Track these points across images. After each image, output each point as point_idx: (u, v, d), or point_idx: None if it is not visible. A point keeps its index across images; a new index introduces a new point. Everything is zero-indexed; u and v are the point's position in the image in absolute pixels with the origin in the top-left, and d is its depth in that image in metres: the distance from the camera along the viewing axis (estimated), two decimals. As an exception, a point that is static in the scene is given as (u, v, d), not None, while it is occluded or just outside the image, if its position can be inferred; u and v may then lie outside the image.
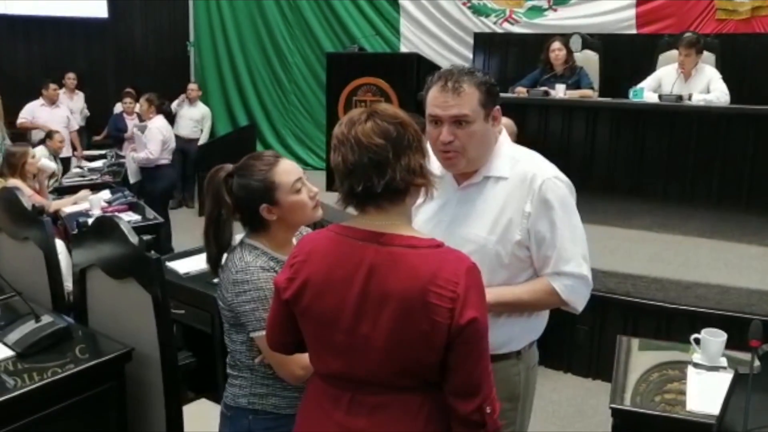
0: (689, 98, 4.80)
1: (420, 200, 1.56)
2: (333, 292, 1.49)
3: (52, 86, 7.26)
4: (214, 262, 1.93)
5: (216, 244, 1.91)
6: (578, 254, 1.87)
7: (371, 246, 1.47)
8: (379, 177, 1.44)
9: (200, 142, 7.90)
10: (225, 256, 1.94)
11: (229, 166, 1.92)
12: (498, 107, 1.87)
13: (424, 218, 1.96)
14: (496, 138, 1.92)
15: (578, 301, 1.91)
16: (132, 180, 6.25)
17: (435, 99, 1.82)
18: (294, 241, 1.96)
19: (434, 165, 1.98)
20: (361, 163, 1.45)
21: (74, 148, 7.48)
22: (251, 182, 1.86)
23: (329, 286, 1.49)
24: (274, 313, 1.65)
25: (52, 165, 5.45)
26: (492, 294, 1.79)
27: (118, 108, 8.13)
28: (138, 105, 6.77)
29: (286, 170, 1.89)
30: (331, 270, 1.49)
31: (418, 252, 1.45)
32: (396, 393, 1.49)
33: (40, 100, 7.19)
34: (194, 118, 7.83)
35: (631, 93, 4.94)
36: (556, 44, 5.54)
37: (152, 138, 6.11)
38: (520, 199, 1.85)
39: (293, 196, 1.87)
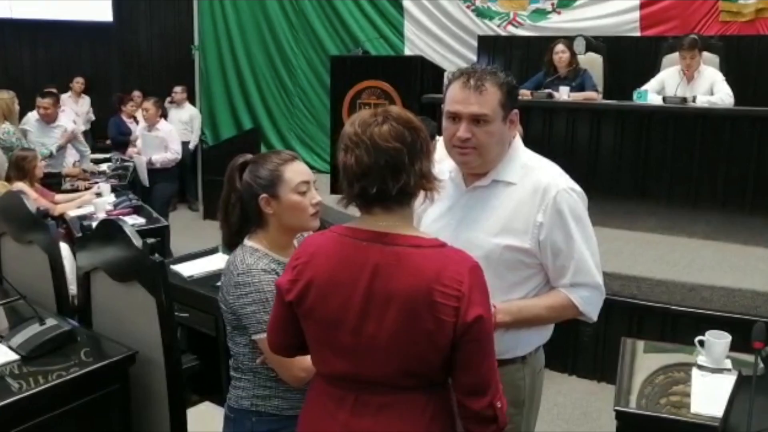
0: (693, 100, 4.79)
1: (419, 202, 1.57)
2: (338, 293, 1.49)
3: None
4: (227, 243, 2.00)
5: (226, 226, 1.97)
6: (593, 264, 1.89)
7: (375, 246, 1.47)
8: (394, 180, 1.45)
9: (192, 144, 7.91)
10: (227, 258, 1.95)
11: (250, 156, 1.98)
12: (516, 111, 1.86)
13: (432, 219, 1.97)
14: (510, 142, 1.91)
15: (594, 312, 1.92)
16: (148, 184, 6.21)
17: (456, 95, 1.82)
18: (295, 243, 1.97)
19: (444, 165, 1.98)
20: (377, 165, 1.45)
21: None
22: (261, 170, 1.90)
23: (334, 286, 1.50)
24: (275, 315, 1.65)
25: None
26: (511, 315, 1.83)
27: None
28: (143, 109, 6.74)
29: (297, 170, 1.91)
30: (335, 271, 1.50)
31: (422, 251, 1.46)
32: (400, 393, 1.50)
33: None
34: (182, 120, 7.83)
35: (635, 95, 4.94)
36: (560, 47, 5.54)
37: (173, 138, 6.23)
38: (531, 208, 1.84)
39: (294, 195, 1.88)
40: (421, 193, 1.54)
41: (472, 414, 1.50)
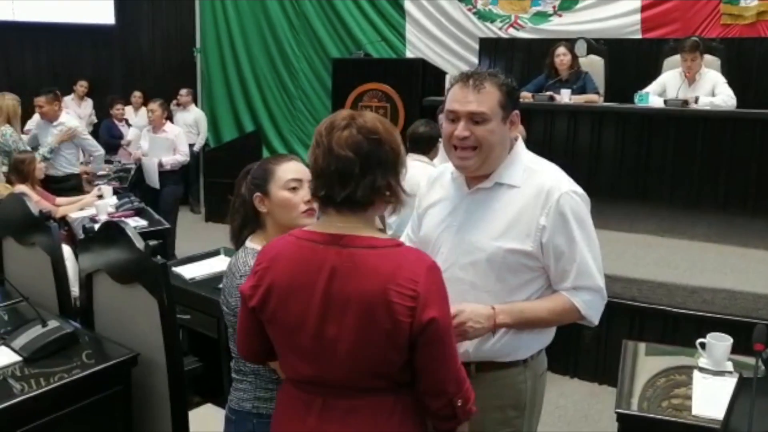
0: (695, 101, 4.79)
1: (386, 213, 1.57)
2: (297, 297, 1.49)
3: (37, 101, 6.12)
4: (234, 243, 2.05)
5: (231, 229, 2.04)
6: (595, 268, 1.88)
7: (332, 249, 1.48)
8: (341, 187, 1.46)
9: (197, 147, 7.87)
10: (229, 260, 1.97)
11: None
12: (517, 112, 1.86)
13: (434, 222, 1.96)
14: (512, 144, 1.90)
15: (595, 316, 1.91)
16: (159, 186, 6.17)
17: (455, 95, 1.83)
18: None
19: (447, 166, 1.98)
20: (327, 169, 1.46)
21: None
22: (256, 171, 1.96)
23: (293, 291, 1.50)
24: (241, 321, 1.65)
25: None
26: (512, 316, 1.82)
27: (126, 113, 8.16)
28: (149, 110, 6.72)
29: (288, 167, 1.95)
30: (294, 275, 1.50)
31: (377, 252, 1.46)
32: (367, 395, 1.50)
33: None
34: (187, 122, 7.81)
35: (636, 98, 4.94)
36: (561, 49, 5.55)
37: (182, 141, 6.24)
38: (534, 211, 1.83)
39: (284, 192, 1.91)
40: (389, 206, 1.54)
41: (430, 412, 1.54)
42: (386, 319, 1.42)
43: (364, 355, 1.46)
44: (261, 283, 1.54)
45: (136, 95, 8.13)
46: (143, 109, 7.77)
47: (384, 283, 1.42)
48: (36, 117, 5.98)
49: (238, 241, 1.99)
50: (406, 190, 1.56)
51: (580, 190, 1.89)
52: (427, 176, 2.13)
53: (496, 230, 1.85)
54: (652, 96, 4.96)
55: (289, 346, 1.55)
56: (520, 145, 1.94)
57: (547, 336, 1.99)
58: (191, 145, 7.70)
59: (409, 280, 1.42)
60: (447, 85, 1.91)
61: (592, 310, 1.89)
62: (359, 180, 1.45)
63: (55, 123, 5.73)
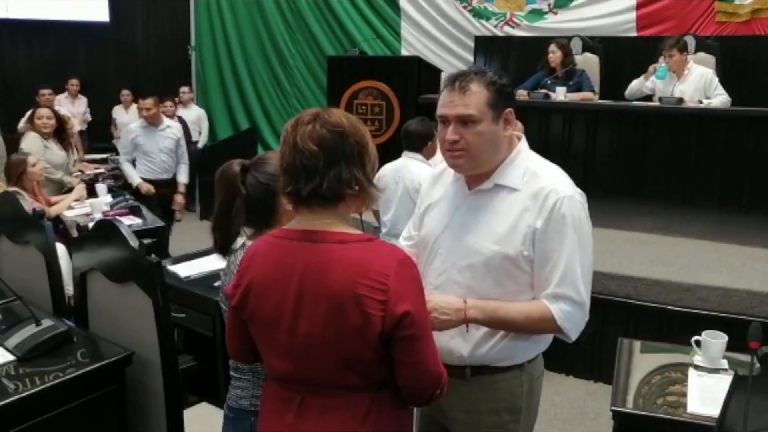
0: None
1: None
2: (273, 294, 1.51)
3: (44, 92, 7.10)
4: (221, 248, 1.95)
5: (227, 232, 1.92)
6: (581, 280, 1.79)
7: (305, 245, 1.49)
8: (307, 181, 1.46)
9: (200, 144, 7.82)
10: (228, 258, 1.95)
11: (241, 161, 1.93)
12: (510, 110, 1.82)
13: (434, 222, 1.95)
14: (510, 142, 1.86)
15: (573, 329, 1.81)
16: None
17: (443, 99, 1.82)
18: None
19: (449, 168, 1.95)
20: (293, 165, 1.47)
21: (76, 151, 7.44)
22: (269, 170, 1.85)
23: (269, 288, 1.51)
24: (229, 321, 1.67)
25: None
26: (484, 313, 1.78)
27: (116, 111, 8.12)
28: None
29: None
30: (269, 272, 1.52)
31: (348, 246, 1.47)
32: (345, 395, 1.50)
33: None
34: (190, 120, 7.76)
35: (656, 71, 5.14)
36: (552, 47, 5.59)
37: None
38: (531, 214, 1.79)
39: None
40: (363, 201, 1.54)
41: (412, 404, 1.62)
42: (356, 313, 1.42)
43: (335, 351, 1.46)
44: (241, 282, 1.56)
45: (125, 93, 8.08)
46: (133, 107, 7.74)
47: (353, 277, 1.42)
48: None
49: (228, 249, 1.92)
50: (378, 185, 1.57)
51: (581, 197, 1.84)
52: (430, 175, 2.12)
53: (496, 234, 1.81)
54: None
55: (267, 343, 1.57)
56: (523, 145, 1.89)
57: (545, 341, 1.95)
58: (195, 143, 7.67)
59: (379, 273, 1.42)
60: (441, 82, 1.88)
61: (570, 323, 1.79)
62: (324, 173, 1.46)
63: None
